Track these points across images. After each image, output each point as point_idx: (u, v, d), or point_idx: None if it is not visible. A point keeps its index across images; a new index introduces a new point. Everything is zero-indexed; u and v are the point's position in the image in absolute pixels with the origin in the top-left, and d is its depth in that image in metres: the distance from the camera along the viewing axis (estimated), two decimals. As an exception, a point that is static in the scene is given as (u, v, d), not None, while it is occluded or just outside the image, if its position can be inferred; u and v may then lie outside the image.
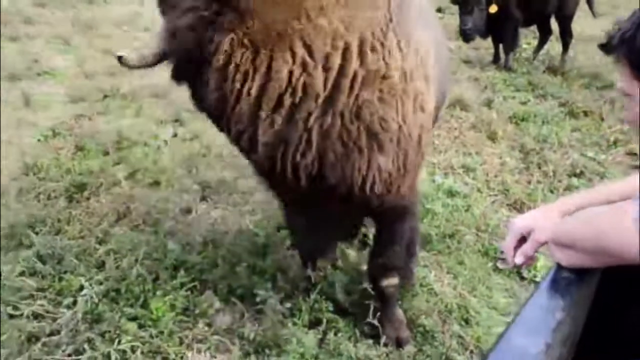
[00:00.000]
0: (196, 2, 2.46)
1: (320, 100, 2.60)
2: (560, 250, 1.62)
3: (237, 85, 2.57)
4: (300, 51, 2.51)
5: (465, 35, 8.79)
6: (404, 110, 2.74)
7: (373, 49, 2.63)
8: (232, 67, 2.53)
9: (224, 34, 2.47)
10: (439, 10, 12.97)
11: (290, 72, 2.53)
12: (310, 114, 2.62)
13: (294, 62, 2.52)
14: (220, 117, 2.75)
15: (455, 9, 9.12)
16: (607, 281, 1.68)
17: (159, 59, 2.64)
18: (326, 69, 2.56)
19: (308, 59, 2.53)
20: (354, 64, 2.59)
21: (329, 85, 2.59)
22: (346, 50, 2.58)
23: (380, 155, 2.77)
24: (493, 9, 8.55)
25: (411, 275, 3.80)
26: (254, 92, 2.57)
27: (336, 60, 2.56)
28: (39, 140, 6.06)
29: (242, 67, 2.54)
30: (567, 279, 1.55)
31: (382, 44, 2.65)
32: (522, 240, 1.87)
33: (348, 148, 2.72)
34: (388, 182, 2.89)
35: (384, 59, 2.64)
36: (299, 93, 2.57)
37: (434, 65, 2.96)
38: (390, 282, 3.44)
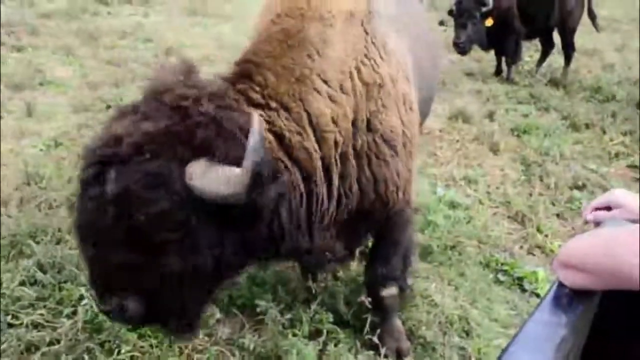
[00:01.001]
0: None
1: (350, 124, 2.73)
2: (565, 270, 1.60)
3: (301, 154, 2.61)
4: (323, 87, 2.61)
5: (458, 48, 8.87)
6: (400, 113, 2.90)
7: (364, 63, 2.77)
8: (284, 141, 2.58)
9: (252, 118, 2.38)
10: (441, 23, 13.02)
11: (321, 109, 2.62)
12: (345, 142, 2.73)
13: (321, 97, 2.62)
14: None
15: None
16: (609, 299, 1.68)
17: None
18: (346, 94, 2.68)
19: (332, 91, 2.64)
20: (357, 81, 2.69)
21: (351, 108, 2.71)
22: (350, 72, 2.71)
23: (397, 161, 2.88)
24: (489, 22, 8.59)
25: (407, 286, 3.79)
26: (314, 148, 2.63)
27: (348, 84, 2.68)
28: (41, 150, 6.06)
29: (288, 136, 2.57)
30: (569, 295, 1.54)
31: (367, 56, 2.79)
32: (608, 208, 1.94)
33: (372, 162, 2.82)
34: (402, 186, 3.00)
35: (374, 69, 2.78)
36: (339, 124, 2.67)
37: (412, 65, 3.15)
38: (390, 292, 3.44)
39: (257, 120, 2.10)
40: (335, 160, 2.71)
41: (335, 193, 2.77)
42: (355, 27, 2.80)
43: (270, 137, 2.52)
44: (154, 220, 2.10)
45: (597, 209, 1.93)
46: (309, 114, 2.60)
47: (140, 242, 2.17)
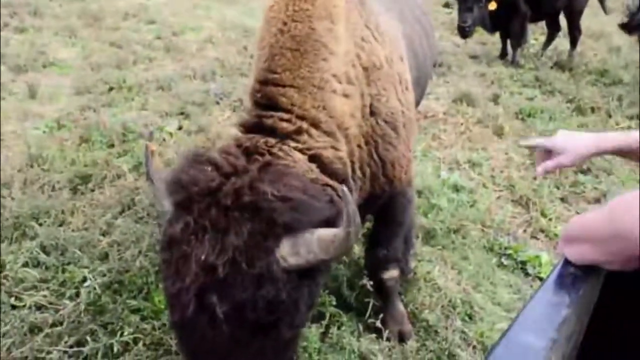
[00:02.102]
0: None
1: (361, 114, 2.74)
2: (570, 245, 1.60)
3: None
4: (338, 86, 2.58)
5: (462, 32, 8.79)
6: (398, 93, 2.90)
7: (362, 48, 2.75)
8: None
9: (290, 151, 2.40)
10: (447, 5, 12.96)
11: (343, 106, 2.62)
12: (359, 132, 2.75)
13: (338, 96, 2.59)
14: None
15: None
16: (611, 282, 1.67)
17: None
18: (353, 84, 2.67)
19: (344, 86, 2.62)
20: (359, 68, 2.72)
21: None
22: (352, 60, 2.70)
23: (400, 141, 2.89)
24: (492, 5, 8.53)
25: (408, 268, 3.78)
26: (345, 153, 2.64)
27: (352, 73, 2.67)
28: (44, 131, 6.06)
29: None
30: (573, 276, 1.53)
31: (364, 40, 2.77)
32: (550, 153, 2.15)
33: (379, 146, 2.83)
34: (406, 165, 3.01)
35: (371, 52, 2.78)
36: (355, 117, 2.69)
37: (405, 45, 3.17)
38: (391, 274, 3.43)
39: (344, 190, 2.06)
40: (354, 152, 2.70)
41: (357, 184, 2.76)
42: (352, 12, 2.76)
43: (313, 166, 2.45)
44: (266, 314, 2.06)
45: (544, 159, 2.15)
46: (334, 119, 2.56)
47: (254, 333, 2.10)
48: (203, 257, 2.02)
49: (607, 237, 1.47)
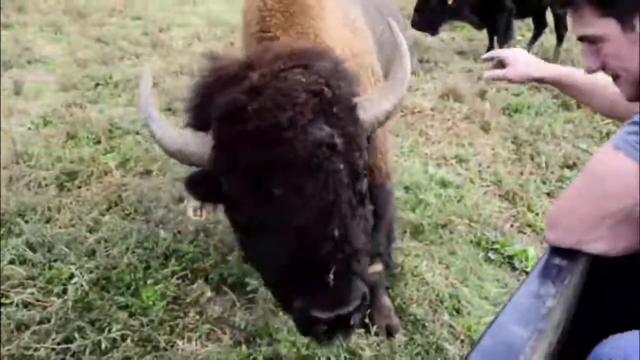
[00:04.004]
0: None
1: None
2: (554, 230, 1.62)
3: None
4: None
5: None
6: (372, 84, 2.92)
7: (343, 34, 2.79)
8: None
9: None
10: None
11: None
12: None
13: None
14: None
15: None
16: (597, 272, 1.69)
17: None
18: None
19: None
20: (347, 51, 2.72)
21: None
22: (341, 41, 2.73)
23: (379, 131, 2.88)
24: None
25: (393, 262, 3.79)
26: None
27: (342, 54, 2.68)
28: (29, 128, 6.02)
29: None
30: (558, 267, 1.55)
31: (334, 29, 2.75)
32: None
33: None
34: (384, 156, 3.05)
35: (349, 41, 2.81)
36: None
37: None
38: (375, 269, 3.43)
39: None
40: None
41: None
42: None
43: None
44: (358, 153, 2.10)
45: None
46: None
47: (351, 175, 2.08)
48: (305, 81, 2.03)
49: (593, 198, 1.52)
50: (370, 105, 2.21)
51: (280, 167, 1.94)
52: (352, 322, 2.07)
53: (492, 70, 2.57)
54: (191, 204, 2.47)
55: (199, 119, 2.20)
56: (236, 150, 1.98)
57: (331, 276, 1.97)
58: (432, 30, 9.15)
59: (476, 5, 8.90)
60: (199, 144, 2.12)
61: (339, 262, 2.00)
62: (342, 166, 1.99)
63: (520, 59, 2.55)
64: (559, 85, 2.57)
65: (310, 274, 2.00)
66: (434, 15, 8.89)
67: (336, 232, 1.99)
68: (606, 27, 1.66)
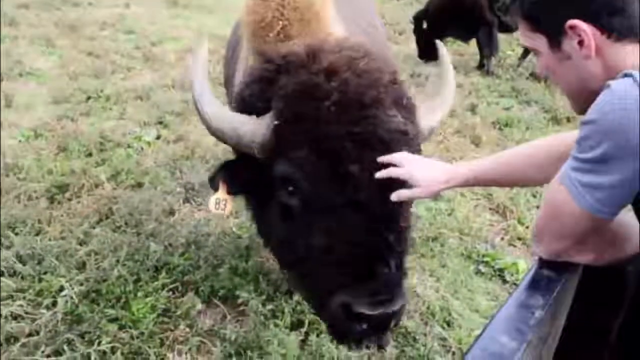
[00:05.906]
0: None
1: None
2: (541, 242, 1.64)
3: None
4: None
5: None
6: None
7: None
8: None
9: None
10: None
11: None
12: None
13: None
14: None
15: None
16: (587, 283, 1.70)
17: None
18: None
19: None
20: None
21: None
22: None
23: None
24: None
25: None
26: None
27: None
28: (20, 140, 5.99)
29: None
30: (547, 278, 1.57)
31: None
32: None
33: None
34: None
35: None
36: None
37: None
38: None
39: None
40: None
41: None
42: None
43: None
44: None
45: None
46: None
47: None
48: (381, 67, 2.12)
49: (555, 209, 1.56)
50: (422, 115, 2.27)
51: (358, 145, 1.93)
52: (392, 324, 2.03)
53: (400, 191, 2.03)
54: (214, 197, 2.42)
55: (253, 105, 2.20)
56: (309, 126, 1.97)
57: (386, 270, 1.91)
58: (432, 55, 9.27)
59: (456, 20, 9.12)
60: (255, 124, 2.12)
61: (395, 256, 1.96)
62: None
63: (426, 176, 2.06)
64: (469, 186, 2.38)
65: (363, 264, 1.93)
66: (425, 43, 9.10)
67: (402, 222, 1.97)
68: (539, 41, 1.70)
